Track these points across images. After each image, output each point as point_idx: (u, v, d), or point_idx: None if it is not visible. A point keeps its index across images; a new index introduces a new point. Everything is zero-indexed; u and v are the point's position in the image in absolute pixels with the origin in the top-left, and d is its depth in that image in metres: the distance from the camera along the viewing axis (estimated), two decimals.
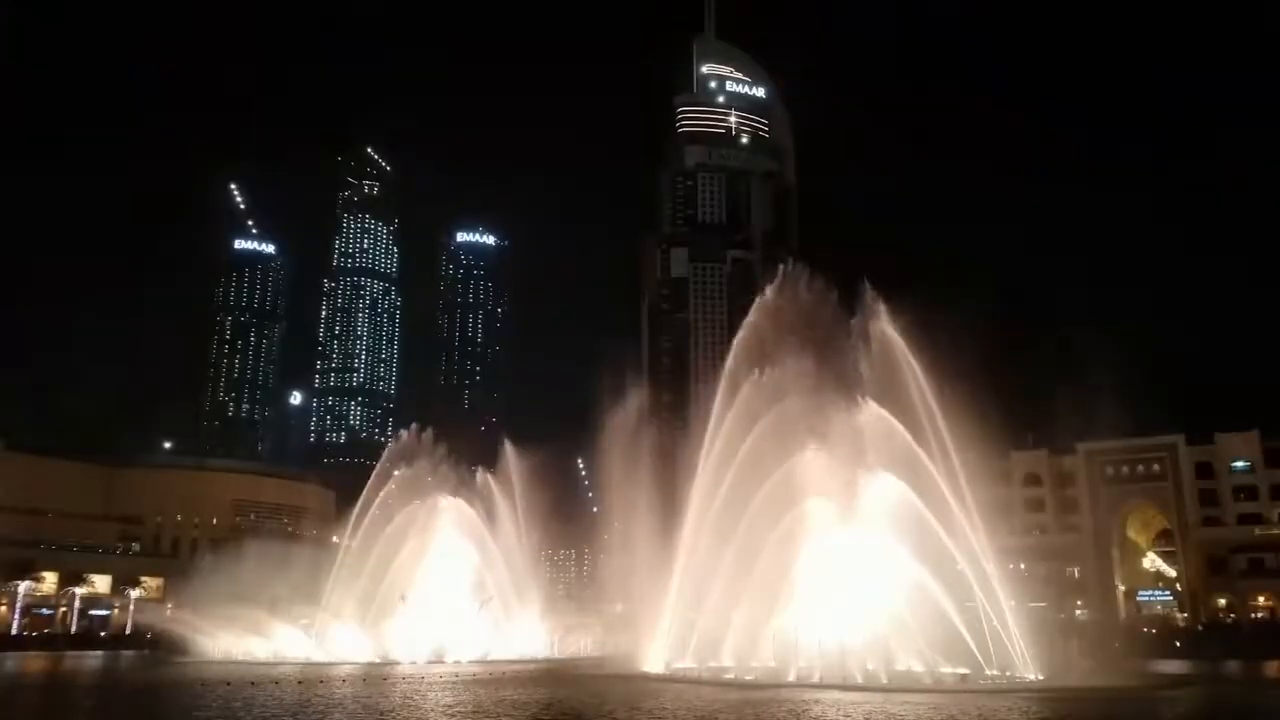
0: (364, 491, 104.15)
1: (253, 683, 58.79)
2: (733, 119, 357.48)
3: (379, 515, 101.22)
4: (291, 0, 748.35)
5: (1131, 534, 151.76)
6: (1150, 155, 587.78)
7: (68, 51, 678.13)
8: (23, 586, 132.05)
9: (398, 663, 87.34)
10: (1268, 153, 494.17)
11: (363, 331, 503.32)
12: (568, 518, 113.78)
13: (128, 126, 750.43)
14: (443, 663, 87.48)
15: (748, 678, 62.66)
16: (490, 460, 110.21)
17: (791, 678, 60.83)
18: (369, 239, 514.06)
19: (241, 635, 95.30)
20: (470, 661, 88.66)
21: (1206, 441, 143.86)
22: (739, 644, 67.06)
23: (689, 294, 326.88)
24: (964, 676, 59.53)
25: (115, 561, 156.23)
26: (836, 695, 51.03)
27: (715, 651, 68.72)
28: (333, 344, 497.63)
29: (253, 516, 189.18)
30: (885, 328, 66.23)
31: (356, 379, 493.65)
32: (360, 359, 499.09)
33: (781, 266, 75.49)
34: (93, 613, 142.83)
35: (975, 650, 60.41)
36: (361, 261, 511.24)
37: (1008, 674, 60.09)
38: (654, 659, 71.28)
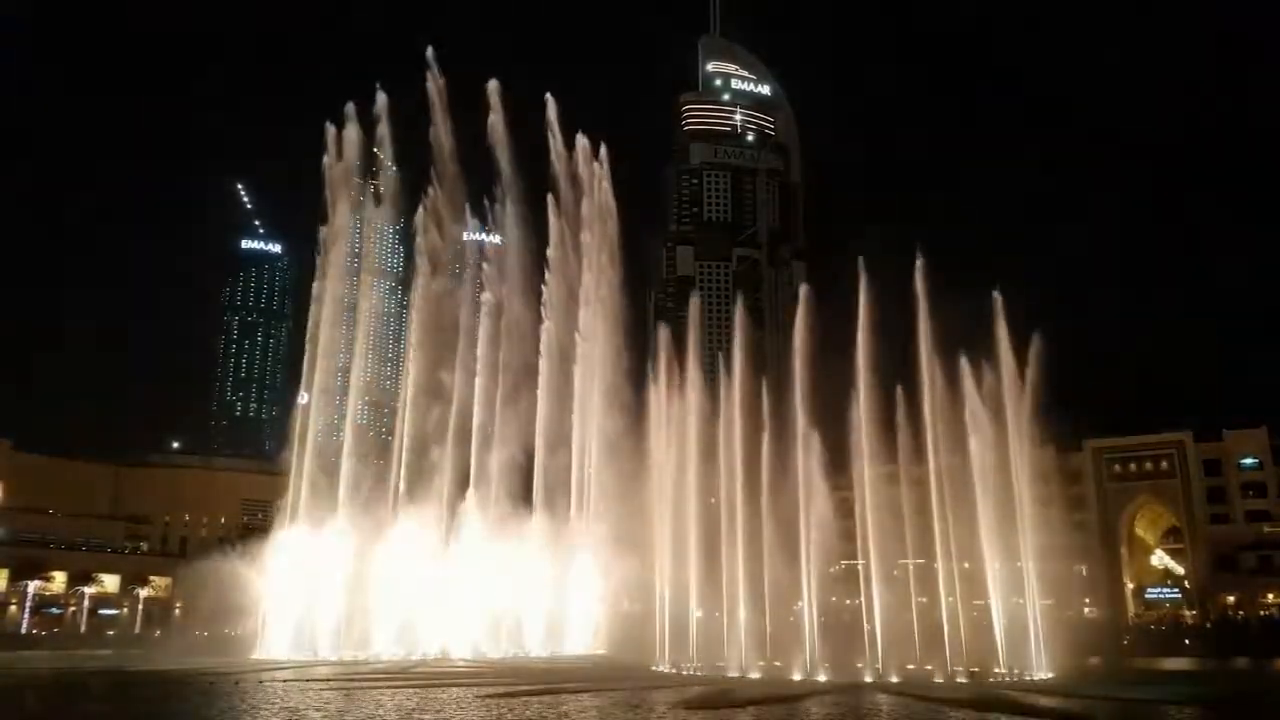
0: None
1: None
2: (738, 117, 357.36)
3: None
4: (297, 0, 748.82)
5: (1139, 531, 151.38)
6: (1152, 165, 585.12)
7: (71, 51, 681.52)
8: (32, 586, 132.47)
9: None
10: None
11: (369, 330, 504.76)
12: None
13: (133, 126, 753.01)
14: (449, 659, 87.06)
15: (752, 676, 62.67)
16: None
17: (797, 676, 60.88)
18: (375, 238, 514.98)
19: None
20: (476, 660, 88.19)
21: (1215, 438, 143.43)
22: (745, 644, 67.17)
23: (694, 292, 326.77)
24: (972, 674, 59.44)
25: (124, 561, 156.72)
26: (843, 699, 50.91)
27: (719, 651, 68.85)
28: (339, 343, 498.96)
29: (260, 515, 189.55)
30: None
31: (363, 378, 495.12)
32: (367, 358, 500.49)
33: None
34: (101, 611, 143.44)
35: (985, 648, 60.43)
36: (367, 261, 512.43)
37: (1016, 672, 60.08)
38: (661, 658, 71.36)
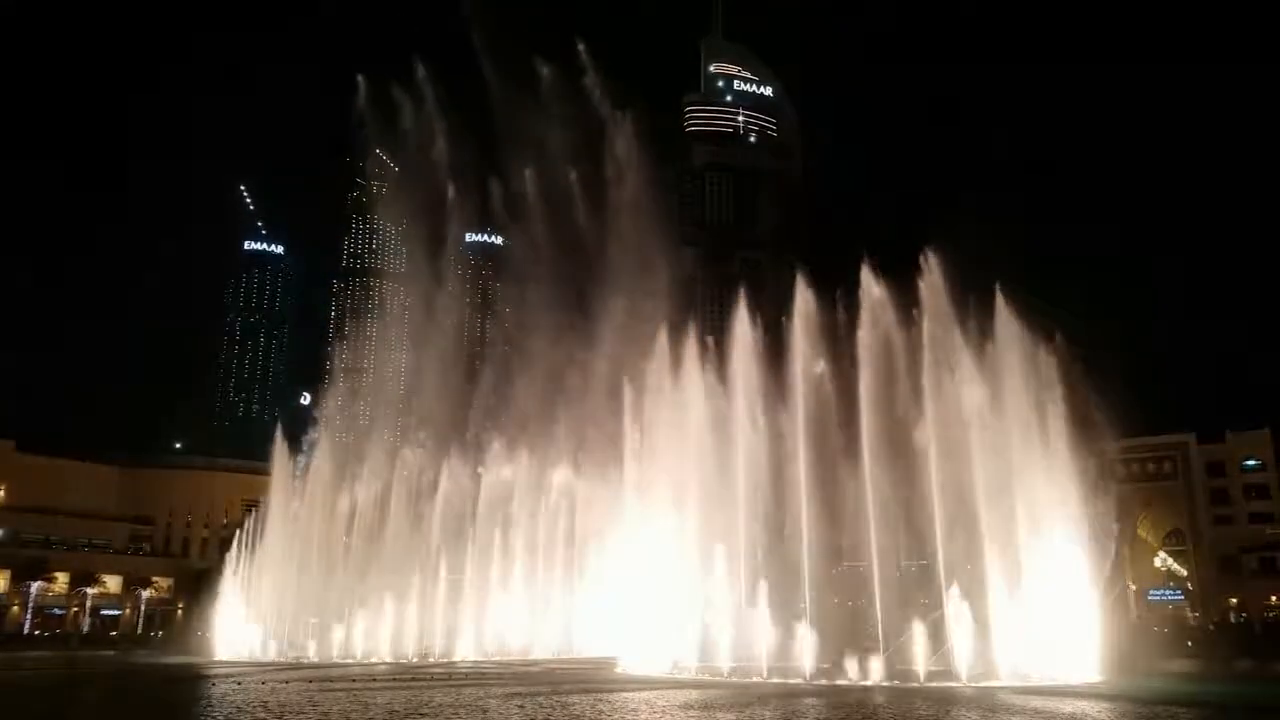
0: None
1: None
2: (741, 118, 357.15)
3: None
4: (299, 1, 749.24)
5: (1142, 533, 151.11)
6: (1154, 164, 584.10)
7: (71, 52, 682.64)
8: (35, 587, 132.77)
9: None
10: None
11: (371, 332, 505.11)
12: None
13: (135, 127, 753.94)
14: (451, 659, 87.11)
15: (753, 679, 62.46)
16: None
17: (798, 680, 60.67)
18: (377, 239, 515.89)
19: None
20: (479, 661, 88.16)
21: (1218, 440, 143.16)
22: (746, 641, 66.91)
23: (697, 293, 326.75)
24: (974, 676, 59.18)
25: (126, 561, 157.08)
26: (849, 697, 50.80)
27: (718, 650, 68.57)
28: (341, 344, 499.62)
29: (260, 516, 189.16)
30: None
31: (365, 379, 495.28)
32: (369, 359, 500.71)
33: None
34: (104, 612, 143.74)
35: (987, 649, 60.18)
36: (370, 262, 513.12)
37: (1020, 674, 59.81)
38: (660, 659, 71.08)
